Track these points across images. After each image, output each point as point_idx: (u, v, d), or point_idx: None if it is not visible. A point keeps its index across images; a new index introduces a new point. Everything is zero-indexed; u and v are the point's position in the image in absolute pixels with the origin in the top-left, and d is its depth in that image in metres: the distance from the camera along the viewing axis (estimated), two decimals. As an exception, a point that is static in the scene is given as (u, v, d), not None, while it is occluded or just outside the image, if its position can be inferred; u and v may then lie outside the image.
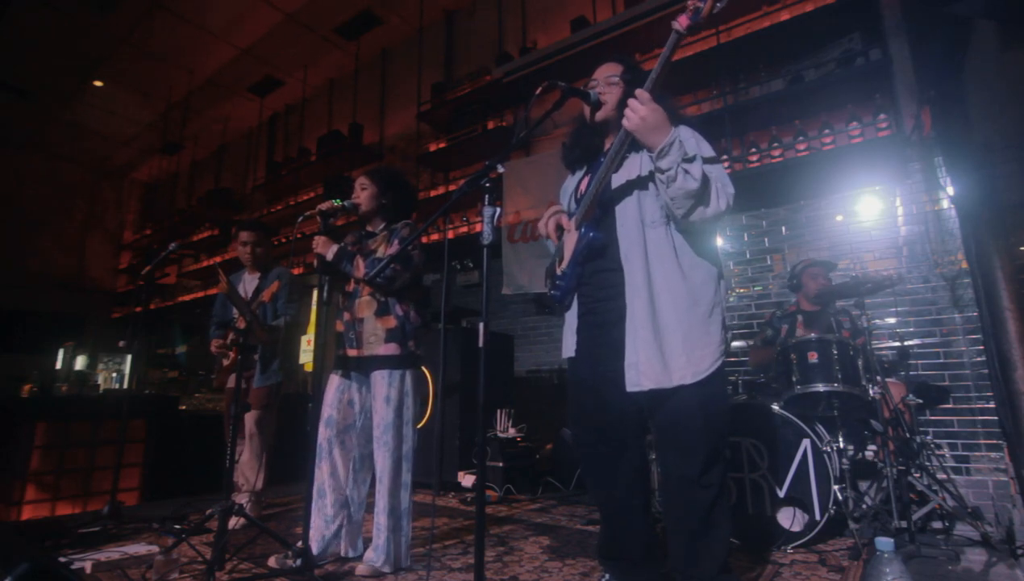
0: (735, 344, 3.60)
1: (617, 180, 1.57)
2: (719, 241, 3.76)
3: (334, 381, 2.18)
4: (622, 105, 1.59)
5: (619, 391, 1.48)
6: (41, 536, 2.50)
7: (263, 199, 7.16)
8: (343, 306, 2.22)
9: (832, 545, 2.27)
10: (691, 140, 1.48)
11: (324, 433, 2.13)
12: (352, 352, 2.15)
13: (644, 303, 1.46)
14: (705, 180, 1.35)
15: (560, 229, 1.70)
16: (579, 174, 1.77)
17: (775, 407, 2.37)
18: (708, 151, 1.49)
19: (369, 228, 2.32)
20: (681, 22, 1.31)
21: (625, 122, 1.37)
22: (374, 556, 1.99)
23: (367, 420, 2.17)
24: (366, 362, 2.13)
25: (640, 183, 1.53)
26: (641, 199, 1.53)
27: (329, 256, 2.12)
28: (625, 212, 1.54)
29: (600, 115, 1.61)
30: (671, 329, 1.44)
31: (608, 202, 1.58)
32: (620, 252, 1.52)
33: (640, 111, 1.34)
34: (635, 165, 1.56)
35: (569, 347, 1.66)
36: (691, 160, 1.34)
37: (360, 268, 2.11)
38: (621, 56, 1.70)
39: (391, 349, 2.10)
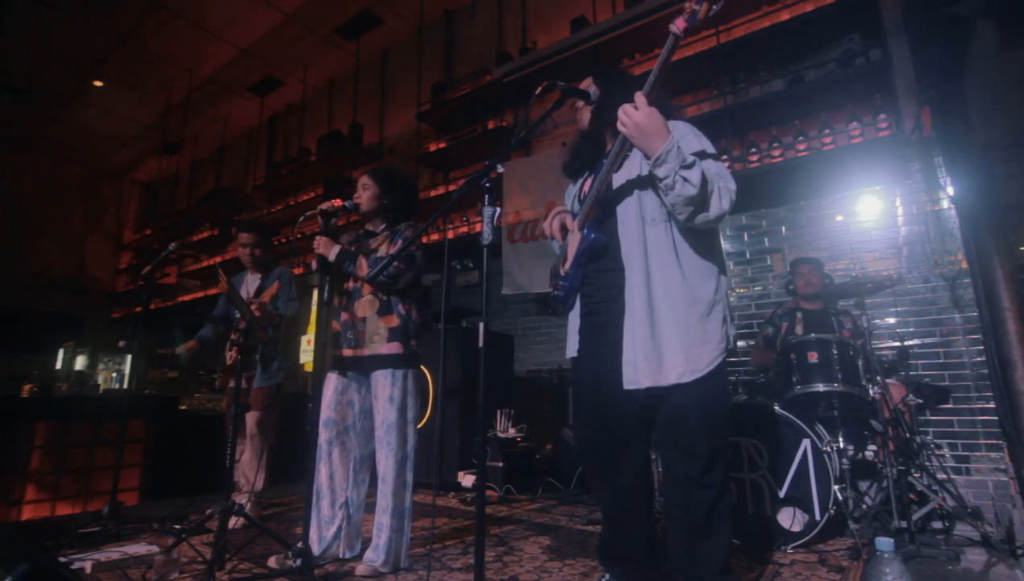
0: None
1: (618, 180, 1.58)
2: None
3: (332, 381, 2.15)
4: (597, 109, 1.60)
5: (621, 391, 1.48)
6: (41, 536, 2.50)
7: (263, 199, 7.16)
8: (341, 305, 2.19)
9: (832, 545, 2.27)
10: (690, 136, 1.48)
11: (324, 435, 2.11)
12: (349, 352, 2.13)
13: (642, 301, 1.46)
14: (704, 185, 1.33)
15: (564, 230, 1.70)
16: (582, 179, 1.77)
17: (775, 407, 2.37)
18: (709, 148, 1.48)
19: (369, 227, 2.31)
20: (678, 25, 1.30)
21: (620, 127, 1.35)
22: (374, 556, 1.98)
23: (366, 421, 2.16)
24: (366, 362, 2.12)
25: (640, 182, 1.53)
26: (641, 198, 1.53)
27: (331, 257, 2.11)
28: (626, 211, 1.54)
29: (593, 120, 1.63)
30: (668, 327, 1.44)
31: (610, 202, 1.58)
32: (622, 251, 1.52)
33: (635, 116, 1.32)
34: (635, 164, 1.56)
35: (572, 347, 1.66)
36: (690, 166, 1.31)
37: (364, 268, 2.10)
38: (594, 69, 1.71)
39: (394, 348, 2.09)
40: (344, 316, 2.17)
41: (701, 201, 1.35)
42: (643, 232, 1.50)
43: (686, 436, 1.44)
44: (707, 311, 1.46)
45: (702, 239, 1.52)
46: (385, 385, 2.07)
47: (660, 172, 1.33)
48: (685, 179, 1.32)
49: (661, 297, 1.46)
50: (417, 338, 2.17)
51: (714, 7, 1.25)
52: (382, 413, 2.07)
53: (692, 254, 1.50)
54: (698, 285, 1.47)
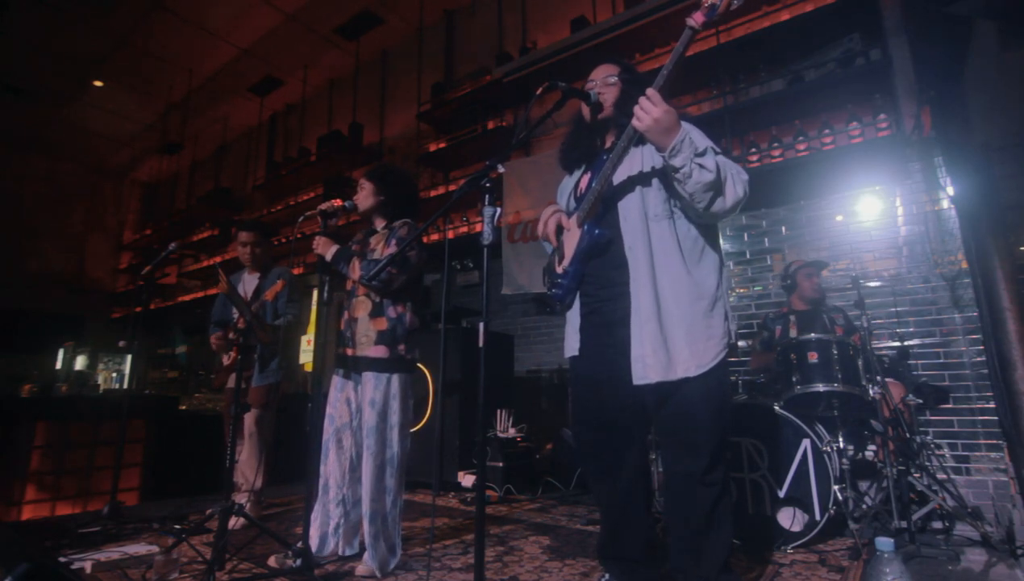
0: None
1: (619, 176, 1.57)
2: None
3: (335, 380, 2.20)
4: (619, 104, 1.60)
5: (623, 389, 1.48)
6: (41, 536, 2.50)
7: (263, 199, 7.16)
8: (344, 305, 2.22)
9: (832, 545, 2.27)
10: (695, 133, 1.49)
11: (327, 431, 2.15)
12: (349, 351, 2.16)
13: (649, 297, 1.45)
14: (719, 169, 1.36)
15: (560, 229, 1.70)
16: (578, 173, 1.76)
17: (775, 407, 2.37)
18: (713, 145, 1.49)
19: (373, 226, 2.32)
20: (696, 19, 1.30)
21: (636, 123, 1.35)
22: (369, 557, 1.99)
23: (361, 419, 2.17)
24: (359, 362, 2.13)
25: (643, 178, 1.53)
26: (644, 193, 1.53)
27: (328, 257, 2.13)
28: (628, 207, 1.54)
29: (601, 115, 1.61)
30: (675, 322, 1.44)
31: (611, 198, 1.57)
32: (624, 247, 1.52)
33: (653, 112, 1.33)
34: (636, 160, 1.56)
35: (572, 346, 1.64)
36: (702, 153, 1.34)
37: (356, 270, 2.11)
38: (616, 58, 1.71)
39: (379, 351, 2.09)
40: (345, 315, 2.20)
41: (719, 186, 1.37)
42: (647, 228, 1.50)
43: (690, 431, 1.44)
44: (711, 306, 1.47)
45: (704, 235, 1.53)
46: (369, 388, 2.08)
47: (676, 161, 1.34)
48: (701, 166, 1.34)
49: (667, 292, 1.46)
50: (410, 341, 2.16)
51: (735, 3, 1.25)
52: (365, 415, 2.08)
53: (694, 250, 1.50)
54: (702, 280, 1.48)
